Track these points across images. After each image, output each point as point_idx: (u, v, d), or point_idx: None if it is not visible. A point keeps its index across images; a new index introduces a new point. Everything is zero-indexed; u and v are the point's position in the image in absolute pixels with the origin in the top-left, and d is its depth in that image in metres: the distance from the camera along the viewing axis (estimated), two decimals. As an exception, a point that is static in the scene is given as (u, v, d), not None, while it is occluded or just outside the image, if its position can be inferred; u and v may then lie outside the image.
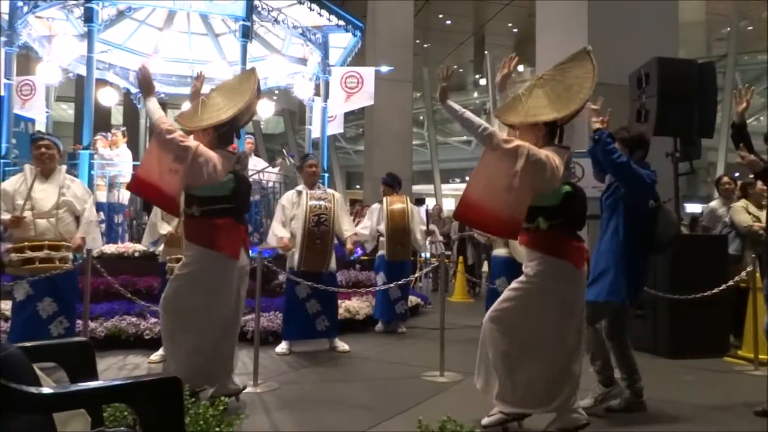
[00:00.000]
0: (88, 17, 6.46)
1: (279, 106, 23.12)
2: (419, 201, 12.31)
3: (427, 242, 8.25)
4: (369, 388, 3.99)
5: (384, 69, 12.27)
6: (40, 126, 8.31)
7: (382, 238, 6.13)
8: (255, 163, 7.82)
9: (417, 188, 20.61)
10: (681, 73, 5.38)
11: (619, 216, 3.34)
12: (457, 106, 2.90)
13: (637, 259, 3.34)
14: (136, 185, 3.31)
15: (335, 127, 9.22)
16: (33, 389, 1.17)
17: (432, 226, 10.29)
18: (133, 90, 9.43)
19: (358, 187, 26.64)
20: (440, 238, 10.85)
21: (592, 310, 3.33)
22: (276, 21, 7.35)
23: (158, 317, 3.75)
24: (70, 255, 4.22)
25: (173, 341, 3.25)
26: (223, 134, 3.29)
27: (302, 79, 8.69)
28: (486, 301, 5.24)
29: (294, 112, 29.29)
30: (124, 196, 7.16)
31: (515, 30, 25.02)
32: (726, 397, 3.77)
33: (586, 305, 3.35)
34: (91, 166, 6.40)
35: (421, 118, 28.41)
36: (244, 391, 3.50)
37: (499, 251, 5.24)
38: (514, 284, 2.96)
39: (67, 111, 22.36)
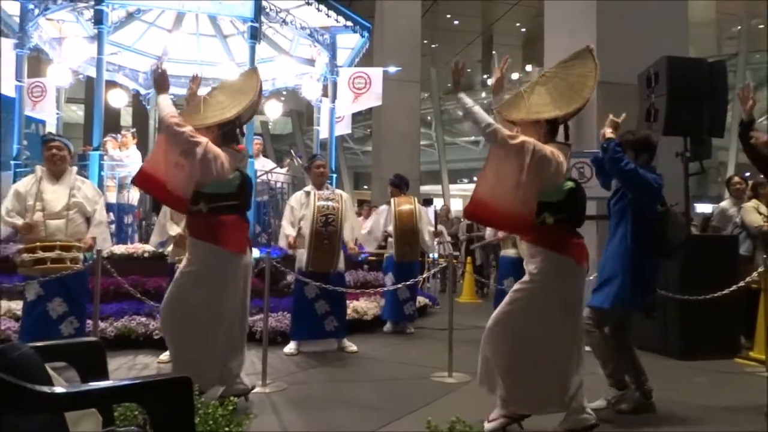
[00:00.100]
0: (98, 19, 6.50)
1: (287, 107, 23.17)
2: (427, 201, 12.31)
3: (435, 243, 8.24)
4: (377, 388, 3.99)
5: (392, 69, 12.28)
6: (51, 127, 8.37)
7: (390, 239, 6.13)
8: (263, 164, 7.84)
9: (425, 189, 20.60)
10: (691, 72, 5.34)
11: (628, 222, 3.33)
12: (467, 99, 2.91)
13: (646, 264, 3.33)
14: (141, 179, 3.29)
15: (343, 128, 9.23)
16: (46, 389, 1.18)
17: (440, 227, 10.30)
18: (143, 91, 9.49)
19: (365, 187, 26.67)
20: (448, 238, 10.84)
21: (599, 315, 3.32)
22: (284, 22, 7.37)
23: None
24: (81, 255, 4.25)
25: (180, 340, 3.25)
26: (227, 132, 3.31)
27: (310, 80, 8.71)
28: (494, 301, 5.24)
29: (302, 113, 29.35)
30: (133, 196, 7.21)
31: (523, 30, 24.98)
32: (737, 399, 3.74)
33: (593, 311, 3.34)
34: (101, 167, 6.44)
35: (429, 118, 28.38)
36: (253, 391, 3.51)
37: (508, 252, 5.23)
38: (517, 285, 2.94)
39: (77, 112, 22.53)
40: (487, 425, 2.90)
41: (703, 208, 14.83)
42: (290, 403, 3.50)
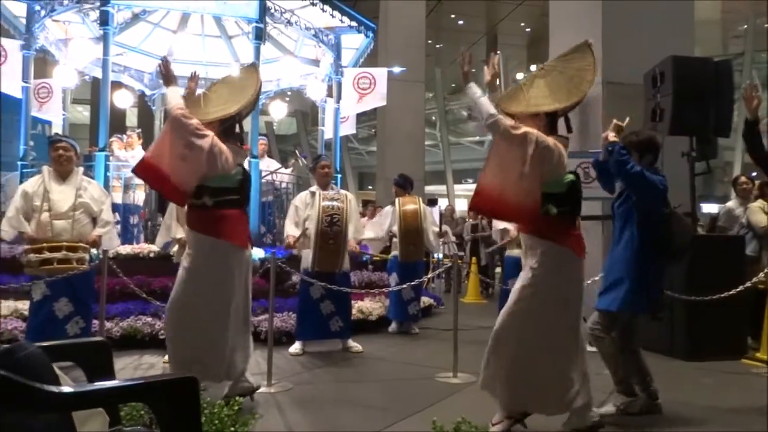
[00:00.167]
0: (104, 20, 6.54)
1: (292, 107, 23.23)
2: (432, 202, 12.31)
3: (440, 243, 8.23)
4: (382, 388, 3.99)
5: (396, 69, 12.25)
6: (57, 128, 8.42)
7: (395, 239, 6.13)
8: (268, 165, 7.86)
9: (430, 189, 20.59)
10: (697, 72, 5.32)
11: (633, 224, 3.31)
12: (476, 89, 2.90)
13: (652, 267, 3.30)
14: (142, 167, 3.25)
15: (348, 128, 9.24)
16: (54, 388, 1.18)
17: (444, 227, 10.29)
18: (148, 92, 9.53)
19: (370, 187, 26.66)
20: (453, 238, 10.83)
21: (608, 318, 3.30)
22: (289, 23, 7.39)
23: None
24: (87, 256, 4.27)
25: (185, 337, 3.23)
26: (227, 128, 3.35)
27: (315, 81, 8.72)
28: (499, 301, 5.23)
29: (306, 114, 29.39)
30: (139, 197, 7.23)
31: (528, 30, 24.91)
32: (743, 400, 3.72)
33: (601, 315, 3.31)
34: (106, 168, 6.47)
35: (434, 118, 28.37)
36: (258, 391, 3.52)
37: (513, 252, 5.21)
38: (519, 284, 2.91)
39: (83, 113, 22.65)
40: (492, 429, 2.89)
41: (709, 208, 14.74)
42: (295, 403, 3.51)
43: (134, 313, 5.17)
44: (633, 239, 3.29)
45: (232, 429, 2.64)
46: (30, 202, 4.19)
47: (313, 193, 5.04)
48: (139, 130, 8.73)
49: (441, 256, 9.88)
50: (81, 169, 4.48)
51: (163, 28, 8.73)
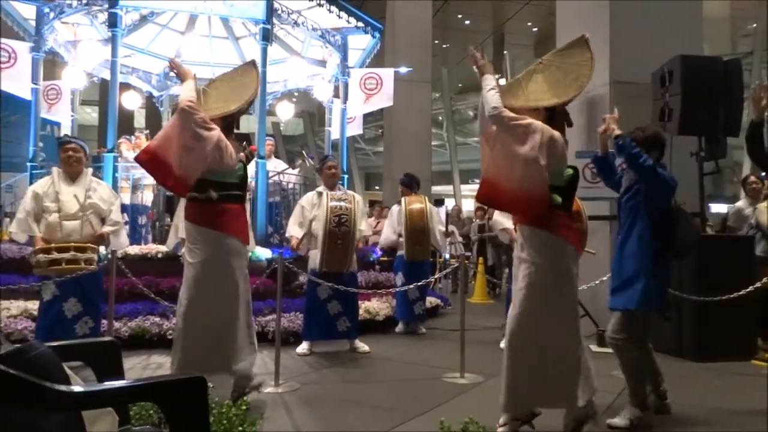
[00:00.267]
0: (112, 22, 6.57)
1: (298, 108, 23.26)
2: (438, 202, 12.29)
3: (447, 243, 8.22)
4: (389, 388, 3.99)
5: (403, 70, 12.25)
6: (66, 129, 8.48)
7: (401, 239, 6.14)
8: (275, 165, 7.88)
9: (436, 189, 20.56)
10: (705, 71, 5.28)
11: (643, 219, 3.26)
12: (491, 81, 2.87)
13: (663, 262, 3.27)
14: (146, 152, 3.23)
15: (354, 129, 9.25)
16: (64, 388, 1.19)
17: (451, 227, 10.28)
18: (156, 93, 9.58)
19: (377, 188, 26.68)
20: (459, 239, 10.82)
21: (627, 318, 3.21)
22: (295, 23, 7.40)
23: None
24: (95, 256, 4.30)
25: (194, 333, 3.24)
26: (228, 125, 3.39)
27: (321, 81, 8.73)
28: (506, 302, 5.21)
29: (313, 114, 29.46)
30: (147, 198, 7.26)
31: (535, 29, 24.83)
32: (753, 401, 3.69)
33: (620, 316, 3.24)
34: (115, 169, 6.50)
35: (440, 118, 28.35)
36: (266, 391, 3.53)
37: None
38: (521, 283, 2.84)
39: (91, 114, 22.79)
40: (499, 430, 2.87)
41: (718, 208, 14.66)
42: (303, 403, 3.51)
43: (142, 313, 5.20)
44: (644, 234, 3.23)
45: (240, 428, 2.66)
46: (40, 203, 4.22)
47: (320, 194, 5.05)
48: (147, 131, 8.76)
49: (448, 256, 9.87)
50: (90, 170, 4.50)
51: (171, 29, 8.77)
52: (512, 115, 2.79)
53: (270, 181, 7.19)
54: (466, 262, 7.91)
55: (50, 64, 8.72)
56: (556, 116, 2.92)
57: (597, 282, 4.72)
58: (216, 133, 3.19)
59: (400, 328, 6.16)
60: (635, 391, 3.19)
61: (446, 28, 23.93)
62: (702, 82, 5.20)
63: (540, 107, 2.91)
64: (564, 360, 2.81)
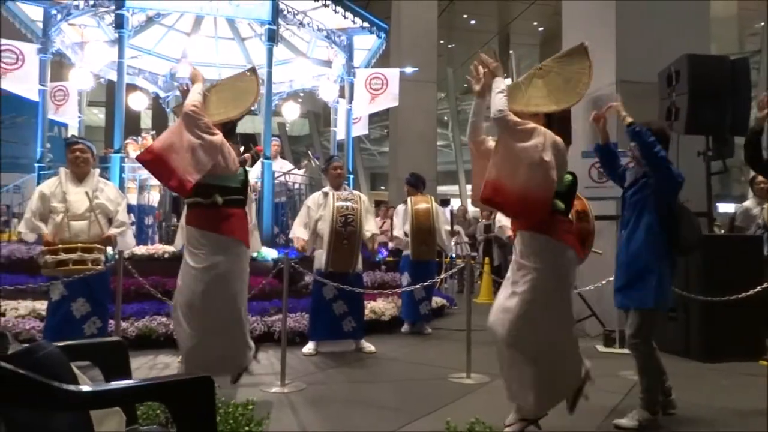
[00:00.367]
0: (119, 24, 6.60)
1: (304, 108, 23.27)
2: (444, 202, 12.27)
3: (453, 243, 8.21)
4: (395, 388, 3.99)
5: (408, 70, 12.27)
6: (73, 130, 8.52)
7: (406, 238, 6.13)
8: (281, 166, 7.90)
9: (442, 189, 20.56)
10: (712, 70, 5.26)
11: (650, 213, 3.21)
12: (501, 84, 2.86)
13: (672, 257, 3.25)
14: (148, 151, 3.24)
15: (360, 129, 9.25)
16: (72, 387, 1.20)
17: (457, 227, 10.27)
18: (162, 94, 9.62)
19: (383, 188, 26.68)
20: (465, 239, 10.80)
21: (643, 317, 3.16)
22: (301, 24, 7.42)
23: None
24: (102, 257, 4.32)
25: (197, 334, 3.26)
26: (228, 131, 3.42)
27: (327, 82, 8.75)
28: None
29: (319, 114, 29.46)
30: (154, 198, 7.29)
31: (541, 29, 24.76)
32: (761, 402, 3.66)
33: (636, 315, 3.19)
34: (122, 170, 6.54)
35: (446, 118, 28.32)
36: (272, 391, 3.54)
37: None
38: (523, 287, 2.79)
39: (98, 115, 22.90)
40: (506, 430, 2.86)
41: (726, 207, 14.59)
42: (309, 403, 3.52)
43: (149, 313, 5.22)
44: (652, 227, 3.19)
45: (247, 428, 2.67)
46: (47, 204, 4.24)
47: (325, 194, 5.05)
48: (154, 132, 8.80)
49: (454, 256, 9.86)
50: (97, 171, 4.53)
51: (177, 30, 8.80)
52: (517, 119, 2.78)
53: (276, 181, 7.20)
54: (472, 262, 7.90)
55: (57, 66, 8.79)
56: (555, 122, 2.91)
57: (603, 282, 4.70)
58: (219, 137, 3.23)
59: (405, 328, 6.15)
60: (649, 393, 3.15)
61: (452, 28, 23.91)
62: (709, 81, 5.18)
63: (540, 113, 2.91)
64: (564, 362, 2.82)
